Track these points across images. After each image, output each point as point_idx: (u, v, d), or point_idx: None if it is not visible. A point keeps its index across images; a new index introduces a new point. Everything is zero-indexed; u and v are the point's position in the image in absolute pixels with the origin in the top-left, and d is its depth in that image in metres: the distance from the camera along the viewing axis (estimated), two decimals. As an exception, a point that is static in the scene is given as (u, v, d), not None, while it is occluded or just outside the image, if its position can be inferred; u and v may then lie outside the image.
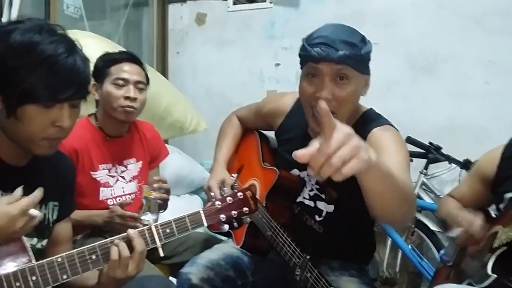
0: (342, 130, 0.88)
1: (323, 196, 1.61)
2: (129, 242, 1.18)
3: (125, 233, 1.19)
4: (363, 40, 1.43)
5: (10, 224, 1.04)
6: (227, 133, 1.92)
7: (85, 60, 1.18)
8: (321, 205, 1.62)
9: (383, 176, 1.10)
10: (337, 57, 1.36)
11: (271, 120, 1.76)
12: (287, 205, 1.67)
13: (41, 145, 1.17)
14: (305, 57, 1.44)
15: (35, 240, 1.28)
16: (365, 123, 1.51)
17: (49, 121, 1.14)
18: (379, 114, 1.58)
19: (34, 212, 1.08)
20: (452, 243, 1.75)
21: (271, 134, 1.88)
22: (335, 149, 0.87)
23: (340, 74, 1.40)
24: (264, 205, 1.62)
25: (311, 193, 1.64)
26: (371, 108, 1.59)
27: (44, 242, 1.31)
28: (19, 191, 1.08)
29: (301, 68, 1.50)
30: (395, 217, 1.23)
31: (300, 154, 0.88)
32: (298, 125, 1.64)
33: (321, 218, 1.62)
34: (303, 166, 1.57)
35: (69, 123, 1.17)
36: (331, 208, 1.60)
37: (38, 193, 1.09)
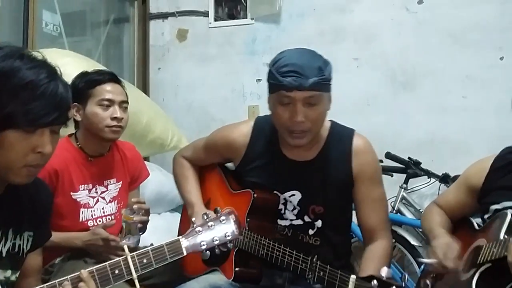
0: None
1: (308, 213, 1.65)
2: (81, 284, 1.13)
3: (77, 275, 1.14)
4: (325, 61, 1.53)
5: None
6: (187, 176, 1.88)
7: (67, 85, 1.17)
8: (308, 219, 1.66)
9: None
10: (309, 85, 1.46)
11: (230, 153, 1.77)
12: (271, 222, 1.65)
13: (20, 173, 1.13)
14: (277, 86, 1.51)
15: (9, 272, 1.24)
16: (338, 134, 1.67)
17: (29, 147, 1.11)
18: (340, 124, 1.72)
19: None
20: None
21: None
22: None
23: (311, 100, 1.50)
24: (247, 228, 1.60)
25: (295, 212, 1.66)
26: (332, 120, 1.71)
27: (18, 274, 1.28)
28: None
29: (270, 93, 1.57)
30: None
31: None
32: (268, 150, 1.69)
33: (314, 231, 1.64)
34: (283, 189, 1.64)
35: (50, 149, 1.15)
36: (319, 223, 1.65)
37: None
